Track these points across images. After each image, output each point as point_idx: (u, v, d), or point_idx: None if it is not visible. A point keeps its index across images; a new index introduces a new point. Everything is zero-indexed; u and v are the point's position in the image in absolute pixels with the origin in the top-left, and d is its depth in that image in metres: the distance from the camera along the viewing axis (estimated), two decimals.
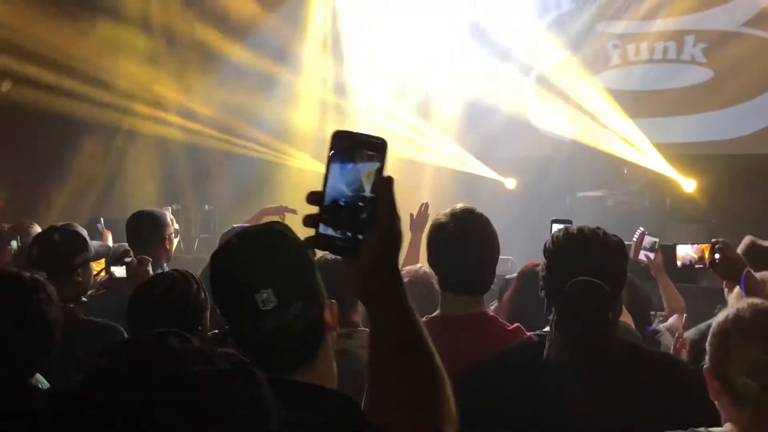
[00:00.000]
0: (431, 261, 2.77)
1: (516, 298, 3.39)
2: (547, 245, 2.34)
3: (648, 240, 4.00)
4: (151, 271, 3.65)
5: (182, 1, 10.03)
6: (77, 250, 3.52)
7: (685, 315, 3.57)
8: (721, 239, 3.08)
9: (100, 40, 9.54)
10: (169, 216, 4.35)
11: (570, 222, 3.37)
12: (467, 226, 2.67)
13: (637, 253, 4.04)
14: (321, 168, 1.31)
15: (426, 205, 4.64)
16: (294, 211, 5.53)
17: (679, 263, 3.08)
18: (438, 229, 2.69)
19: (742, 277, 3.01)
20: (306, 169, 10.12)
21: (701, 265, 3.06)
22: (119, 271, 3.66)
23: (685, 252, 3.09)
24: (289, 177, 9.97)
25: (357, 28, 10.45)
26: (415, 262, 4.00)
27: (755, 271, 3.05)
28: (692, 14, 9.18)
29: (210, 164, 10.36)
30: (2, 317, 2.21)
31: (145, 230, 4.15)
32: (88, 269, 3.59)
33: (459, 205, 2.75)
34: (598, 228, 2.33)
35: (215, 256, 1.68)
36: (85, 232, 3.66)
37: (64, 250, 3.49)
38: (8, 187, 9.48)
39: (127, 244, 4.06)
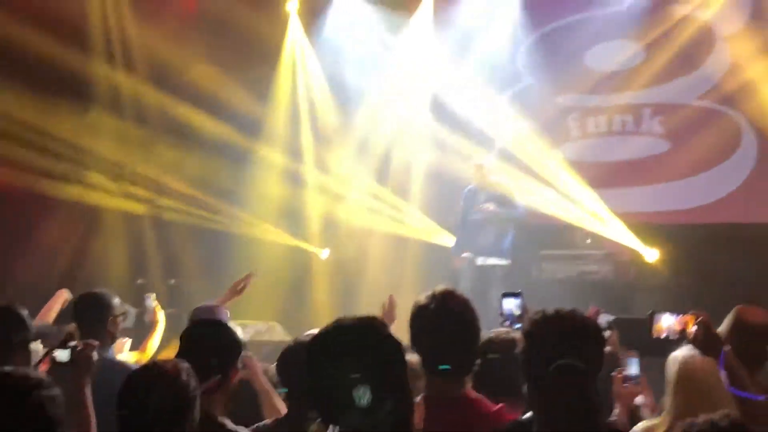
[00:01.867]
0: (414, 343, 2.79)
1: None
2: (526, 327, 2.37)
3: (604, 318, 3.97)
4: (96, 356, 3.53)
5: (151, 78, 10.09)
6: (14, 331, 3.42)
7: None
8: (701, 313, 3.05)
9: (68, 117, 9.54)
10: (151, 302, 4.31)
11: (519, 294, 3.42)
12: (448, 307, 2.70)
13: None
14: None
15: (391, 300, 4.46)
16: (252, 275, 5.54)
17: (663, 335, 3.03)
18: (419, 310, 2.72)
19: (720, 355, 2.98)
20: (275, 242, 10.14)
21: (679, 338, 3.03)
22: (62, 355, 3.45)
23: (669, 323, 3.04)
24: (258, 250, 9.97)
25: (325, 98, 10.60)
26: None
27: (739, 346, 3.04)
28: (649, 88, 9.43)
29: (176, 238, 10.31)
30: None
31: (89, 312, 4.09)
32: (29, 351, 3.47)
33: (440, 287, 2.79)
34: (574, 309, 2.37)
35: (314, 345, 1.69)
36: (23, 312, 3.54)
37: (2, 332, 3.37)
38: None
39: (74, 325, 3.97)
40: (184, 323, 9.59)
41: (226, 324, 3.44)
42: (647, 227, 9.25)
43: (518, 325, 3.31)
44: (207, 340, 3.17)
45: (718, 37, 9.14)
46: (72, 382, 3.36)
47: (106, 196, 9.98)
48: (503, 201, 8.66)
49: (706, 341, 2.99)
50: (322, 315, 9.55)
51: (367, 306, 7.36)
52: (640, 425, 3.29)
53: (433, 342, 2.69)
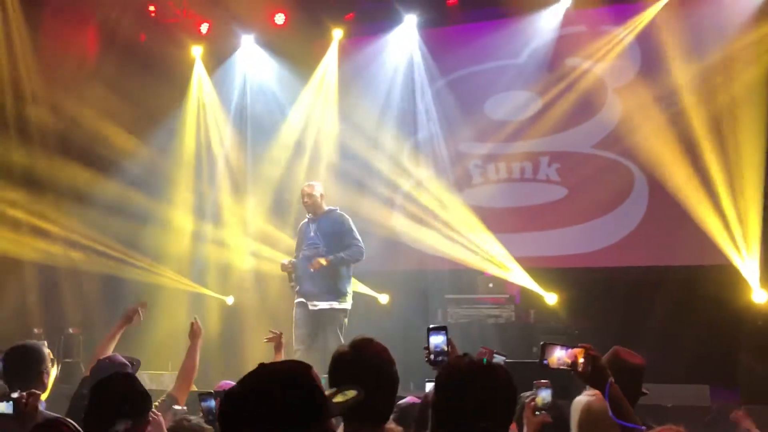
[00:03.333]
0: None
1: None
2: (439, 378, 2.47)
3: (499, 359, 4.05)
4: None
5: (55, 147, 9.88)
6: None
7: None
8: (589, 346, 3.21)
9: None
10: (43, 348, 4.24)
11: (445, 328, 3.48)
12: (365, 355, 2.77)
13: None
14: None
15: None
16: (144, 304, 5.51)
17: (554, 366, 3.18)
18: (338, 358, 2.79)
19: (606, 386, 3.15)
20: (181, 290, 10.03)
21: (568, 368, 3.16)
22: (5, 408, 3.46)
23: (559, 355, 3.18)
24: (161, 297, 9.82)
25: (224, 151, 10.61)
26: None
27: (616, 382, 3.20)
28: (547, 137, 9.75)
29: (77, 285, 10.07)
30: None
31: (24, 365, 4.02)
32: None
33: (358, 336, 2.87)
34: (485, 356, 2.48)
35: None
36: None
37: None
38: None
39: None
40: (80, 372, 9.36)
41: (134, 375, 3.42)
42: (546, 271, 9.51)
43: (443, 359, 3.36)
44: (117, 389, 3.15)
45: (610, 89, 9.54)
46: None
47: (5, 242, 9.68)
48: (339, 237, 7.91)
49: (593, 373, 3.15)
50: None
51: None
52: None
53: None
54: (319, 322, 7.87)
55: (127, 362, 4.57)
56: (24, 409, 3.46)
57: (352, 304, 9.22)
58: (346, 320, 7.90)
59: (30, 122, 9.91)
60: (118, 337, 5.20)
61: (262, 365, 1.88)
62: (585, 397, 3.60)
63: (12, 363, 4.09)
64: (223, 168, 10.60)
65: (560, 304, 9.31)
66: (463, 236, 9.74)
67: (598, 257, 9.50)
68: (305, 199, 8.02)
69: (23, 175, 9.78)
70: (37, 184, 9.86)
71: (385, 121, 10.19)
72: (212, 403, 4.17)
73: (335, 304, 7.85)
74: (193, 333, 5.13)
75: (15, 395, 3.50)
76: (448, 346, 3.44)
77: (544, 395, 3.64)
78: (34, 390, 3.60)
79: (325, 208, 8.05)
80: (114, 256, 10.02)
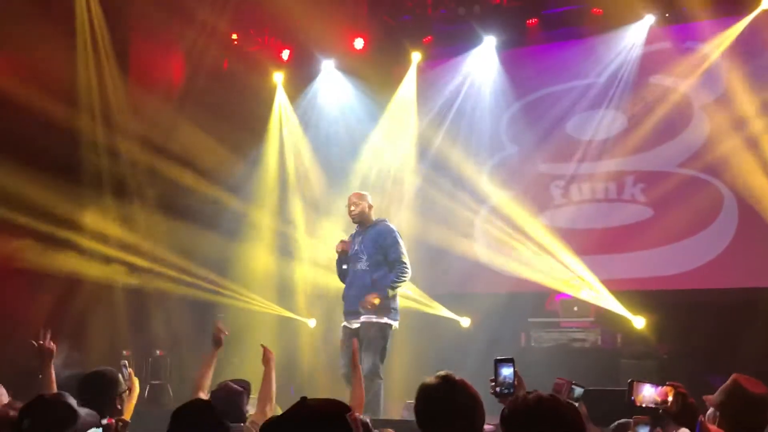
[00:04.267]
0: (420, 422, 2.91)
1: None
2: (504, 413, 2.45)
3: (577, 391, 3.97)
4: None
5: (141, 148, 10.18)
6: (69, 423, 3.39)
7: None
8: (679, 384, 3.13)
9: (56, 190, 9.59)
10: (126, 370, 4.32)
11: (512, 360, 3.43)
12: (454, 390, 2.87)
13: None
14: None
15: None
16: (219, 322, 5.55)
17: (643, 404, 3.10)
18: (428, 391, 2.83)
19: (697, 425, 3.05)
20: (260, 310, 10.15)
21: (657, 407, 3.09)
22: None
23: (649, 393, 3.12)
24: (244, 318, 9.96)
25: (312, 167, 10.72)
26: None
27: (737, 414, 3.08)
28: (631, 156, 9.59)
29: (164, 309, 10.29)
30: None
31: (99, 391, 4.10)
32: None
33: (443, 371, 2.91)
34: (554, 394, 2.45)
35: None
36: (74, 402, 3.52)
37: (56, 424, 3.35)
38: None
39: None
40: (168, 394, 9.51)
41: (212, 404, 3.40)
42: (632, 294, 9.30)
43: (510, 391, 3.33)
44: (195, 418, 3.17)
45: (696, 107, 9.33)
46: None
47: (93, 265, 9.96)
48: (383, 249, 7.22)
49: (683, 411, 3.07)
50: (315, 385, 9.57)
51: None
52: None
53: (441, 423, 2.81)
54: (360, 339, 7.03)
55: (241, 388, 4.61)
56: None
57: (436, 328, 9.20)
58: (389, 339, 7.20)
59: (120, 155, 10.22)
60: (214, 362, 5.25)
61: (303, 399, 2.01)
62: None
63: (86, 389, 4.16)
64: (308, 186, 10.69)
65: (648, 328, 9.08)
66: (545, 258, 9.60)
67: (687, 279, 9.26)
68: (351, 208, 7.40)
69: (113, 205, 10.09)
70: (127, 215, 10.16)
71: (466, 142, 10.16)
72: None
73: (373, 318, 7.11)
74: (266, 359, 5.13)
75: (104, 421, 3.53)
76: (514, 379, 3.40)
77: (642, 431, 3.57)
78: (123, 418, 3.64)
79: (374, 219, 7.47)
80: (200, 280, 10.20)
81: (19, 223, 9.30)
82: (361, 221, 7.38)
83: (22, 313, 9.59)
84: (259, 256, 10.51)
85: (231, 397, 4.36)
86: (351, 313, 7.26)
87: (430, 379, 2.92)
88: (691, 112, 9.36)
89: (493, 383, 3.43)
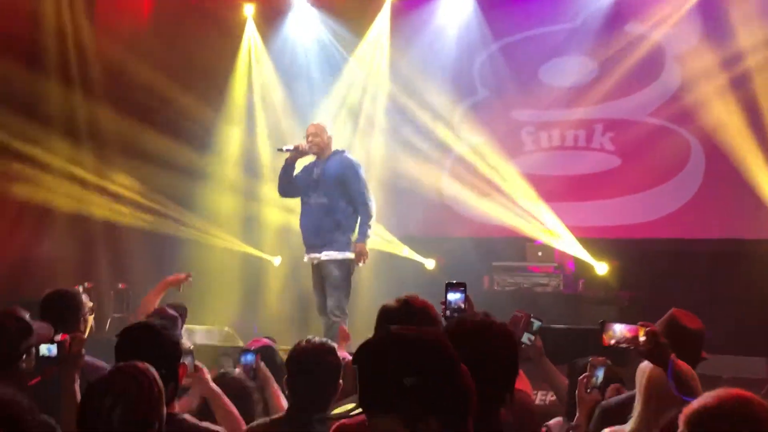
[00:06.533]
0: None
1: None
2: (446, 331, 2.44)
3: (536, 324, 4.00)
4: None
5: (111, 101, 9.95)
6: (22, 337, 3.38)
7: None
8: (650, 324, 3.13)
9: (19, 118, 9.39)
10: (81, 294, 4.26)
11: (463, 285, 3.44)
12: (412, 310, 2.89)
13: (519, 335, 3.95)
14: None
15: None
16: (189, 275, 5.50)
17: (612, 342, 3.13)
18: (386, 312, 2.81)
19: (669, 363, 3.05)
20: (228, 248, 10.08)
21: (628, 345, 3.11)
22: (48, 350, 3.42)
23: (620, 331, 3.14)
24: (209, 255, 9.90)
25: (275, 100, 10.56)
26: None
27: (674, 348, 3.10)
28: (602, 104, 9.55)
29: (126, 241, 10.18)
30: None
31: (62, 310, 4.04)
32: (32, 356, 3.41)
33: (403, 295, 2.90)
34: (486, 315, 2.42)
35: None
36: (26, 316, 3.49)
37: (8, 339, 3.35)
38: None
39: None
40: None
41: (157, 326, 3.33)
42: (597, 241, 9.37)
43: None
44: (144, 340, 3.09)
45: (669, 56, 9.29)
46: (62, 377, 3.36)
47: (56, 196, 9.80)
48: (345, 184, 7.10)
49: (654, 350, 3.08)
50: (274, 321, 9.58)
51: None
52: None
53: None
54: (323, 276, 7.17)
55: (177, 314, 4.58)
56: (68, 353, 3.42)
57: (400, 269, 9.21)
58: (352, 273, 7.19)
59: (92, 79, 9.99)
60: (161, 295, 5.22)
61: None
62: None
63: (49, 307, 4.08)
64: (270, 125, 10.53)
65: (611, 274, 9.18)
66: (513, 203, 9.62)
67: (652, 228, 9.34)
68: (309, 139, 7.18)
69: (87, 130, 9.90)
70: (95, 138, 9.97)
71: (438, 84, 10.04)
72: (251, 357, 4.17)
73: (333, 255, 7.09)
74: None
75: (58, 338, 3.45)
76: (465, 303, 3.42)
77: (599, 374, 3.60)
78: (78, 333, 3.58)
79: (333, 149, 7.29)
80: (163, 213, 10.09)
81: None
82: (320, 152, 7.22)
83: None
84: (223, 193, 10.39)
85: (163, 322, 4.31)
86: (311, 247, 7.22)
87: (390, 301, 2.90)
88: (664, 61, 9.32)
89: (444, 306, 3.45)
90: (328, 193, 7.11)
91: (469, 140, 9.99)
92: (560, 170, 9.82)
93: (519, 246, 9.55)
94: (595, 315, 7.76)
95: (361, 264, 7.16)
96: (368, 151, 10.05)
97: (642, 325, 3.12)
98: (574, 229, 9.40)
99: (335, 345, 3.68)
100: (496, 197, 9.70)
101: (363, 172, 7.29)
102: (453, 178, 10.06)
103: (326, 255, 7.07)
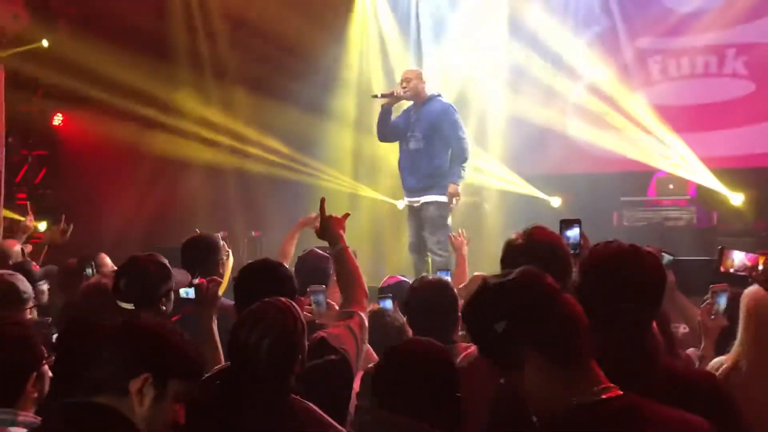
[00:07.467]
0: None
1: None
2: (583, 261, 2.41)
3: (666, 258, 3.93)
4: (220, 294, 3.69)
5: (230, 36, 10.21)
6: (163, 280, 3.64)
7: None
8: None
9: (150, 72, 9.80)
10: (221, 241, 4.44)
11: (578, 221, 3.41)
12: (536, 241, 2.91)
13: None
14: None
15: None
16: (316, 217, 5.59)
17: (731, 270, 3.07)
18: (510, 245, 2.84)
19: None
20: (355, 194, 10.25)
21: (746, 273, 3.05)
22: (187, 293, 3.68)
23: (739, 259, 3.09)
24: (337, 201, 10.08)
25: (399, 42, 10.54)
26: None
27: None
28: (732, 28, 9.14)
29: (259, 190, 10.51)
30: None
31: (201, 255, 4.24)
32: (171, 299, 3.69)
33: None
34: (636, 249, 2.40)
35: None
36: (166, 261, 3.74)
37: (150, 281, 3.61)
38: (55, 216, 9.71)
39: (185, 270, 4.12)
40: None
41: (279, 262, 3.45)
42: (731, 171, 9.05)
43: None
44: (263, 275, 3.19)
45: None
46: (200, 316, 3.59)
47: (190, 146, 10.22)
48: (440, 128, 7.18)
49: None
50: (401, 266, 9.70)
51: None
52: (716, 360, 3.29)
53: None
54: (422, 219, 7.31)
55: (326, 254, 4.69)
56: (205, 294, 3.62)
57: (525, 208, 9.14)
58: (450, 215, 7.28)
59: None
60: (296, 237, 5.38)
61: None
62: (756, 287, 3.43)
63: (189, 252, 4.29)
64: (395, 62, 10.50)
65: (746, 205, 8.85)
66: (642, 136, 9.35)
67: None
68: (403, 84, 7.26)
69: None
70: (222, 83, 10.31)
71: (560, 17, 9.78)
72: (389, 303, 4.27)
73: (431, 197, 7.19)
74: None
75: (196, 281, 3.69)
76: (581, 239, 3.38)
77: (722, 301, 3.54)
78: (215, 277, 3.78)
79: (428, 94, 7.33)
80: (290, 160, 10.33)
81: (120, 107, 9.65)
82: (415, 97, 7.29)
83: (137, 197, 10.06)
84: (345, 138, 10.51)
85: (316, 263, 4.45)
86: (410, 190, 7.40)
87: (514, 235, 2.92)
88: None
89: None
90: (426, 136, 7.22)
91: (593, 73, 9.73)
92: (690, 99, 9.49)
93: (647, 180, 9.31)
94: (731, 247, 7.54)
95: (453, 204, 7.22)
96: (491, 89, 9.93)
97: (762, 254, 3.06)
98: (707, 160, 9.09)
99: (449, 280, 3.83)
100: (622, 131, 9.45)
101: (458, 116, 7.35)
102: (577, 113, 9.85)
103: (426, 198, 7.22)
